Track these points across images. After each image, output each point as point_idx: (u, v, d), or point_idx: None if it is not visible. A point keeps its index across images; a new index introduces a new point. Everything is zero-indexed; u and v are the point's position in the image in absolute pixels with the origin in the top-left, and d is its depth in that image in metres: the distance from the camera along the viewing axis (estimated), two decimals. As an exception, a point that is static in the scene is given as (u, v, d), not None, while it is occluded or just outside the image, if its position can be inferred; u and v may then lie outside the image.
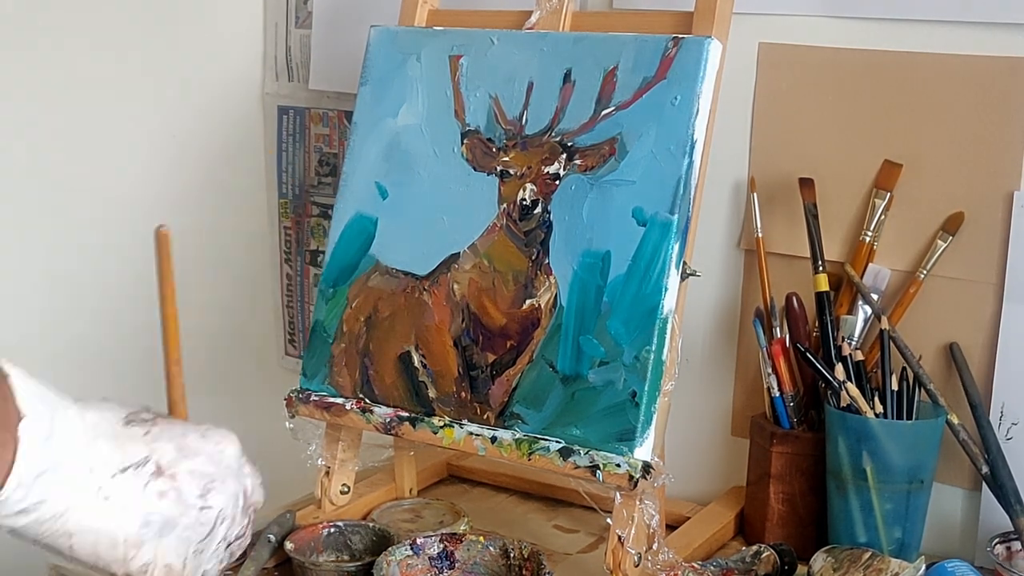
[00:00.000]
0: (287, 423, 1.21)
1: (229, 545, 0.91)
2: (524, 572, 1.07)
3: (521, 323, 1.10)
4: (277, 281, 1.64)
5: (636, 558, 1.04)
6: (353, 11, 1.49)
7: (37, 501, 0.80)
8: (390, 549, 1.08)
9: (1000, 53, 1.15)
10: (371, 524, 1.18)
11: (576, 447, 1.05)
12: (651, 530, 1.05)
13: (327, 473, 1.22)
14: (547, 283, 1.10)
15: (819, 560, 1.07)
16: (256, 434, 1.59)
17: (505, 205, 1.13)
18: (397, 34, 1.22)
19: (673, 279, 1.04)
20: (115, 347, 1.61)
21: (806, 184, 1.22)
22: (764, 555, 1.10)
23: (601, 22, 1.16)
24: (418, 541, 1.09)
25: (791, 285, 1.22)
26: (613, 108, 1.09)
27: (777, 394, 1.20)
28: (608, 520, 1.05)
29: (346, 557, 1.16)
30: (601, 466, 1.03)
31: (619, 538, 1.04)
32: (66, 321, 1.60)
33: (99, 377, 1.61)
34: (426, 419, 1.13)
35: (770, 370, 1.20)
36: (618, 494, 1.04)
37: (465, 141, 1.16)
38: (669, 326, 1.04)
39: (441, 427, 1.12)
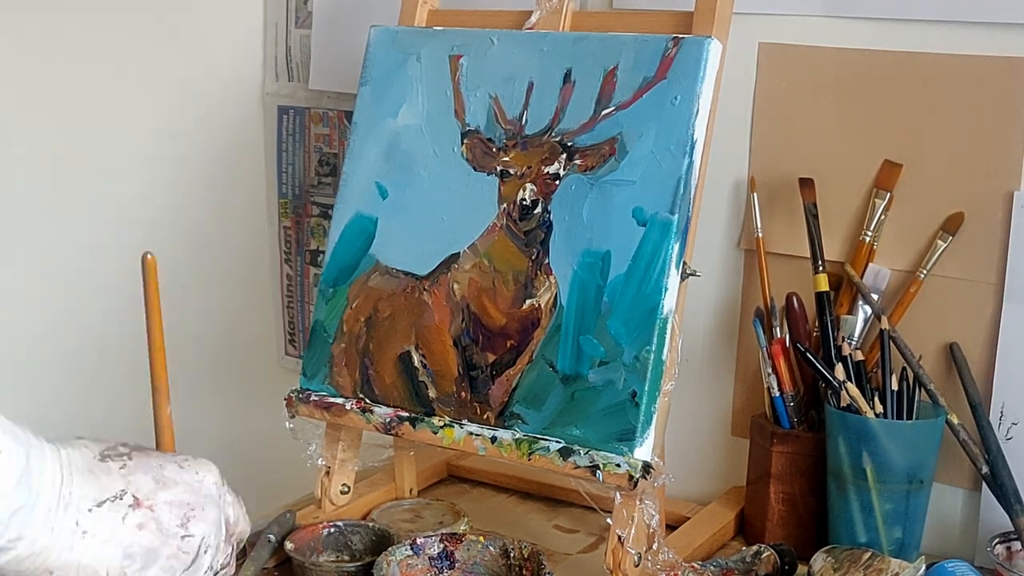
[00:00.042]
0: (287, 423, 1.21)
1: (216, 574, 0.91)
2: (524, 572, 1.07)
3: (521, 323, 1.10)
4: (277, 281, 1.65)
5: (636, 558, 1.04)
6: (353, 11, 1.49)
7: (14, 538, 0.80)
8: (390, 549, 1.08)
9: (1000, 53, 1.15)
10: (371, 524, 1.18)
11: (576, 447, 1.05)
12: (651, 530, 1.05)
13: (327, 473, 1.22)
14: (547, 283, 1.10)
15: (819, 560, 1.07)
16: (256, 434, 1.61)
17: (505, 205, 1.13)
18: (397, 34, 1.22)
19: (673, 279, 1.04)
20: (115, 347, 1.61)
21: (806, 184, 1.22)
22: (764, 555, 1.10)
23: (601, 22, 1.16)
24: (418, 541, 1.09)
25: (791, 285, 1.22)
26: (613, 108, 1.09)
27: (777, 394, 1.20)
28: (608, 520, 1.05)
29: (346, 557, 1.16)
30: (601, 466, 1.03)
31: (619, 538, 1.04)
32: (66, 321, 1.60)
33: (103, 371, 1.61)
34: (426, 419, 1.13)
35: (770, 370, 1.20)
36: (618, 494, 1.04)
37: (465, 141, 1.16)
38: (669, 326, 1.04)
39: (441, 427, 1.12)
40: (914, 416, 1.14)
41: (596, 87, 1.10)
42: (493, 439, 1.10)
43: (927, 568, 1.03)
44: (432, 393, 1.14)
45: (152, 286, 0.98)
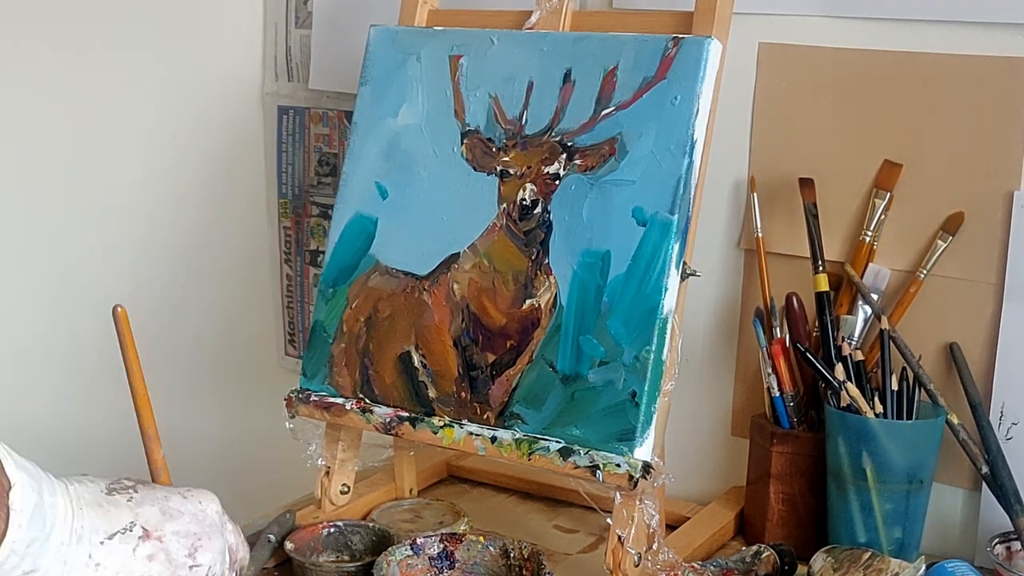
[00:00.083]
0: (287, 423, 1.21)
1: None
2: (524, 572, 1.07)
3: (521, 323, 1.10)
4: (277, 281, 1.65)
5: (636, 558, 1.04)
6: (353, 11, 1.49)
7: (29, 570, 0.81)
8: (390, 549, 1.08)
9: (1000, 53, 1.15)
10: (371, 524, 1.18)
11: (576, 447, 1.05)
12: (651, 530, 1.05)
13: (327, 473, 1.22)
14: (547, 283, 1.10)
15: (819, 560, 1.07)
16: (256, 434, 1.61)
17: (505, 205, 1.13)
18: (397, 34, 1.22)
19: (673, 279, 1.04)
20: (115, 347, 1.61)
21: (806, 184, 1.22)
22: (764, 555, 1.10)
23: (601, 22, 1.16)
24: (418, 541, 1.09)
25: (791, 285, 1.22)
26: (613, 108, 1.09)
27: (777, 394, 1.20)
28: (608, 520, 1.05)
29: (346, 557, 1.16)
30: (601, 466, 1.03)
31: (619, 538, 1.04)
32: (67, 321, 1.60)
33: (104, 372, 1.61)
34: (426, 419, 1.13)
35: (770, 370, 1.20)
36: (618, 494, 1.04)
37: (465, 141, 1.16)
38: (669, 326, 1.04)
39: (441, 427, 1.12)
40: (914, 416, 1.14)
41: (596, 87, 1.10)
42: (493, 439, 1.10)
43: (927, 568, 1.03)
44: (432, 393, 1.14)
45: (127, 338, 0.99)
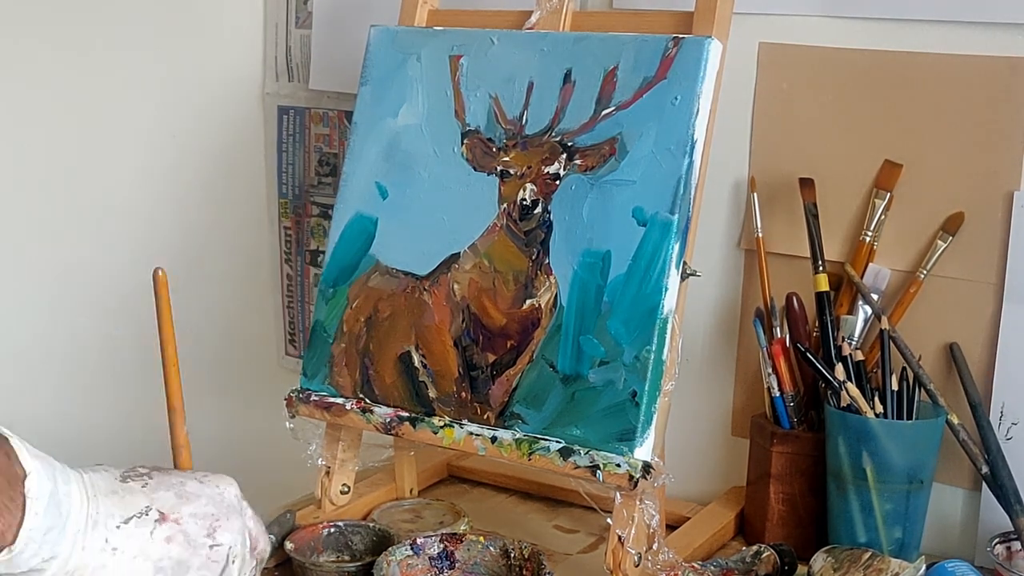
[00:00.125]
0: (287, 423, 1.21)
1: None
2: (524, 572, 1.07)
3: (521, 323, 1.10)
4: (277, 281, 1.65)
5: (636, 558, 1.04)
6: (353, 11, 1.49)
7: (48, 558, 0.82)
8: (390, 549, 1.08)
9: (1000, 53, 1.15)
10: (371, 524, 1.18)
11: (576, 447, 1.05)
12: (651, 530, 1.05)
13: (327, 473, 1.22)
14: (547, 283, 1.10)
15: (819, 560, 1.07)
16: (256, 434, 1.61)
17: (505, 205, 1.13)
18: (397, 34, 1.22)
19: (673, 279, 1.04)
20: (115, 347, 1.61)
21: (806, 184, 1.22)
22: (764, 555, 1.10)
23: (601, 22, 1.16)
24: (418, 541, 1.09)
25: (791, 285, 1.22)
26: (613, 108, 1.09)
27: (777, 394, 1.20)
28: (608, 520, 1.05)
29: (346, 557, 1.16)
30: (601, 466, 1.03)
31: (619, 538, 1.04)
32: (67, 321, 1.60)
33: (104, 372, 1.61)
34: (426, 419, 1.13)
35: (770, 370, 1.20)
36: (618, 494, 1.04)
37: (465, 141, 1.16)
38: (669, 326, 1.04)
39: (441, 427, 1.12)
40: (914, 416, 1.14)
41: (596, 87, 1.10)
42: (493, 439, 1.10)
43: (927, 568, 1.03)
44: (432, 393, 1.14)
45: (164, 302, 0.98)
